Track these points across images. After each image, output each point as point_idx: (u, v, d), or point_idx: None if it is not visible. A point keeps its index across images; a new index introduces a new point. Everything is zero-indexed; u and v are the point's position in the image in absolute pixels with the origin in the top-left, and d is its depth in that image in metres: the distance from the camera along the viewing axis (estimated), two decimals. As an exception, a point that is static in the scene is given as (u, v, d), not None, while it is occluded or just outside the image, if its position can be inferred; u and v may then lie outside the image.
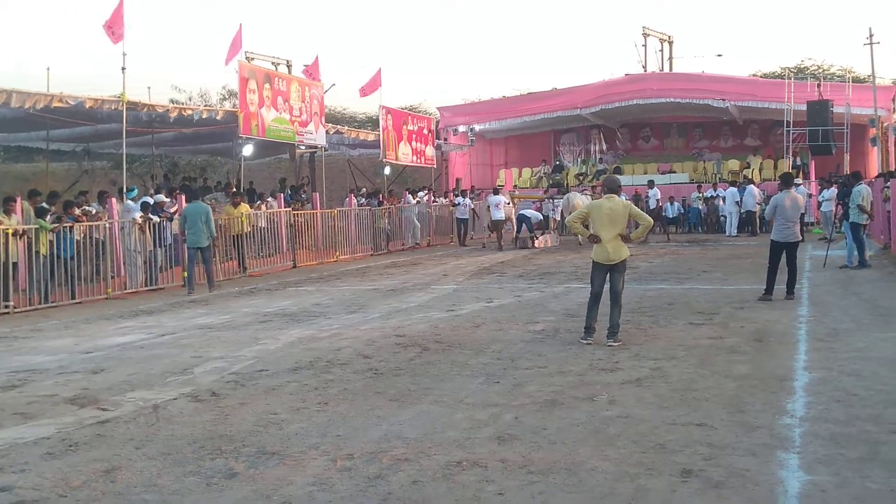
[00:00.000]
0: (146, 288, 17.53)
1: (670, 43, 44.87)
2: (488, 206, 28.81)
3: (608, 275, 10.42)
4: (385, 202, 29.17)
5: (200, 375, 9.10)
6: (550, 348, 10.03)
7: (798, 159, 33.95)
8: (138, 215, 17.86)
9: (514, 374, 8.68)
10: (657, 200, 30.74)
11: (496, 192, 29.80)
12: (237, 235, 20.13)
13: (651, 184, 31.63)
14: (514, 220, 28.35)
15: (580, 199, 27.47)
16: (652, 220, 11.19)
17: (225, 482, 5.68)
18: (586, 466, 5.76)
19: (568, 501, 5.18)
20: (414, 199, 31.36)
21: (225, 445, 6.47)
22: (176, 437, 6.73)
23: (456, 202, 31.04)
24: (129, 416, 7.47)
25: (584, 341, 10.21)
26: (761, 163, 36.95)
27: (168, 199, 19.98)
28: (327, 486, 5.56)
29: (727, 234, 30.31)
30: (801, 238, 13.84)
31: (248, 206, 21.04)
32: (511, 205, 29.18)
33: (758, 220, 29.79)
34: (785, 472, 5.58)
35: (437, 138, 36.85)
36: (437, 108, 41.16)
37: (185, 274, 17.76)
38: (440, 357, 9.66)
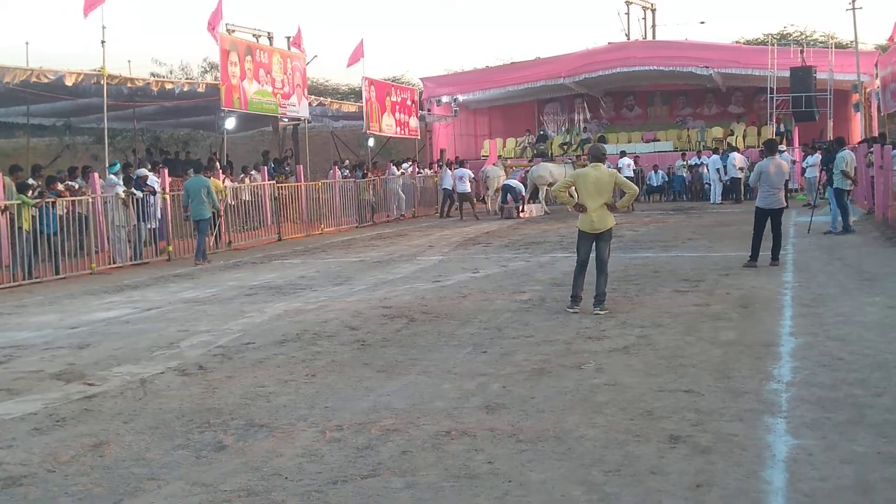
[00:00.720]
0: (131, 262, 17.46)
1: (653, 11, 44.69)
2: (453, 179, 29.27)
3: (594, 243, 10.42)
4: (369, 174, 29.07)
5: (187, 349, 9.08)
6: (537, 317, 10.05)
7: (781, 126, 33.93)
8: (121, 190, 17.74)
9: (501, 344, 8.69)
10: (630, 168, 30.70)
11: (461, 164, 30.12)
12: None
13: (622, 154, 31.64)
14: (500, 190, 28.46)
15: (545, 171, 28.15)
16: (637, 189, 11.17)
17: (214, 455, 5.68)
18: (575, 434, 5.78)
19: (557, 469, 5.20)
20: (398, 170, 31.26)
21: (213, 419, 6.47)
22: (164, 411, 6.72)
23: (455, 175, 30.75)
24: (116, 390, 7.45)
25: (571, 310, 10.23)
26: (745, 130, 36.89)
27: (150, 174, 19.84)
28: (317, 457, 5.56)
29: (711, 201, 30.35)
30: (785, 204, 13.87)
31: (218, 181, 20.44)
32: (504, 175, 29.36)
33: (742, 188, 29.82)
34: (772, 437, 5.61)
35: (421, 109, 36.68)
36: (421, 79, 40.88)
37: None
38: (427, 328, 9.67)
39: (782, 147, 25.02)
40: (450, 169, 30.56)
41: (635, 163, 32.47)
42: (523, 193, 27.79)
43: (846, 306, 9.90)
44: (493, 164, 30.74)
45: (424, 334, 9.32)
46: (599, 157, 10.71)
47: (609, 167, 11.02)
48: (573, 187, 10.52)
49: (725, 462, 5.18)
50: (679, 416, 6.06)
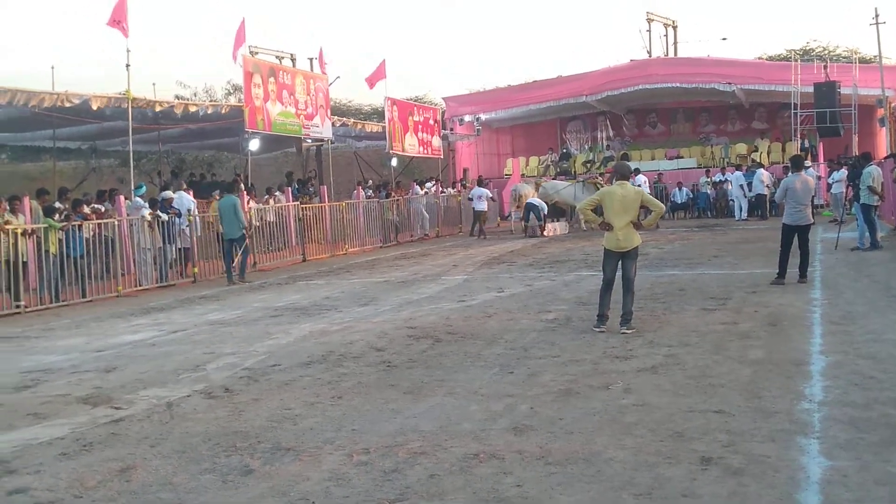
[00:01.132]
0: (157, 285, 17.53)
1: (675, 28, 44.65)
2: (470, 198, 30.03)
3: (620, 262, 10.35)
4: (393, 194, 29.12)
5: (213, 372, 9.07)
6: (563, 337, 9.98)
7: (806, 141, 33.79)
8: (147, 212, 17.84)
9: (527, 364, 8.64)
10: (645, 185, 30.56)
11: (479, 183, 30.73)
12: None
13: (637, 171, 31.55)
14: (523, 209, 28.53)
15: (527, 189, 29.11)
16: (663, 207, 11.08)
17: (241, 479, 5.65)
18: (604, 456, 5.72)
19: (587, 492, 5.14)
20: (422, 190, 31.29)
21: (240, 442, 6.44)
22: (190, 435, 6.70)
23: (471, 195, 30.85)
24: (143, 414, 7.45)
25: (597, 329, 10.16)
26: (769, 146, 36.76)
27: (175, 196, 19.96)
28: (344, 481, 5.52)
29: (736, 218, 30.19)
30: (812, 221, 13.75)
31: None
32: (533, 192, 29.49)
33: (768, 204, 29.65)
34: (805, 458, 5.53)
35: (444, 128, 36.76)
36: (443, 98, 40.98)
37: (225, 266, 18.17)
38: (453, 348, 9.63)
39: (808, 163, 24.88)
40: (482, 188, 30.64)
41: (659, 179, 32.40)
42: (545, 212, 27.78)
43: (876, 324, 9.78)
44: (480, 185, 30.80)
45: (450, 355, 9.28)
46: (626, 174, 10.67)
47: (635, 185, 10.94)
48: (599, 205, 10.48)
49: (758, 484, 5.10)
50: (710, 437, 5.98)
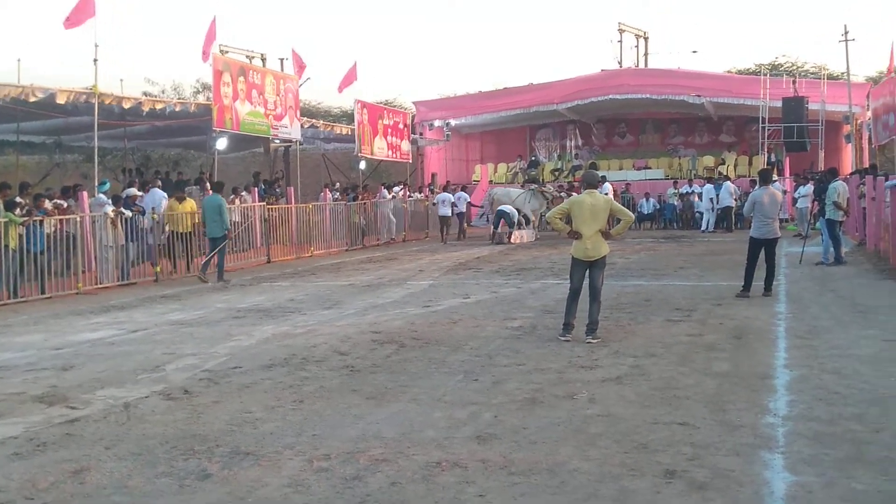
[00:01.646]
0: (118, 283, 17.27)
1: (646, 39, 44.97)
2: (434, 203, 30.70)
3: (587, 271, 10.31)
4: (360, 197, 28.99)
5: (173, 373, 8.92)
6: (529, 345, 9.92)
7: (773, 156, 34.04)
8: (110, 209, 17.58)
9: (492, 372, 8.57)
10: (610, 195, 30.78)
11: (445, 189, 31.33)
12: (181, 233, 19.20)
13: (603, 179, 31.79)
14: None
15: (501, 195, 29.21)
16: (632, 216, 11.05)
17: (198, 484, 5.53)
18: (568, 467, 5.65)
19: (550, 503, 5.07)
20: (389, 193, 31.19)
21: (198, 445, 6.32)
22: (147, 437, 6.56)
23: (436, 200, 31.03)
24: (99, 414, 7.29)
25: (563, 338, 10.10)
26: (736, 159, 37.02)
27: (140, 193, 19.71)
28: (303, 487, 5.42)
29: (702, 229, 30.34)
30: (779, 234, 13.80)
31: (194, 202, 20.23)
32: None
33: (733, 217, 29.83)
34: (770, 473, 5.50)
35: (413, 133, 36.68)
36: (413, 103, 40.91)
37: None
38: (417, 354, 9.53)
39: (774, 177, 25.05)
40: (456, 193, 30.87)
41: (627, 189, 32.56)
42: (516, 219, 27.76)
43: (840, 339, 9.81)
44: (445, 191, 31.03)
45: (414, 360, 9.19)
46: (594, 183, 10.64)
47: (602, 193, 10.89)
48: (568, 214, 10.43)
49: (723, 499, 5.06)
50: (674, 450, 5.94)
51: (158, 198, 19.87)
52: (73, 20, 19.03)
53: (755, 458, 5.77)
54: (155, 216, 18.85)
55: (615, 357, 9.13)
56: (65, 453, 6.22)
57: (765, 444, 6.05)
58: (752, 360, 8.90)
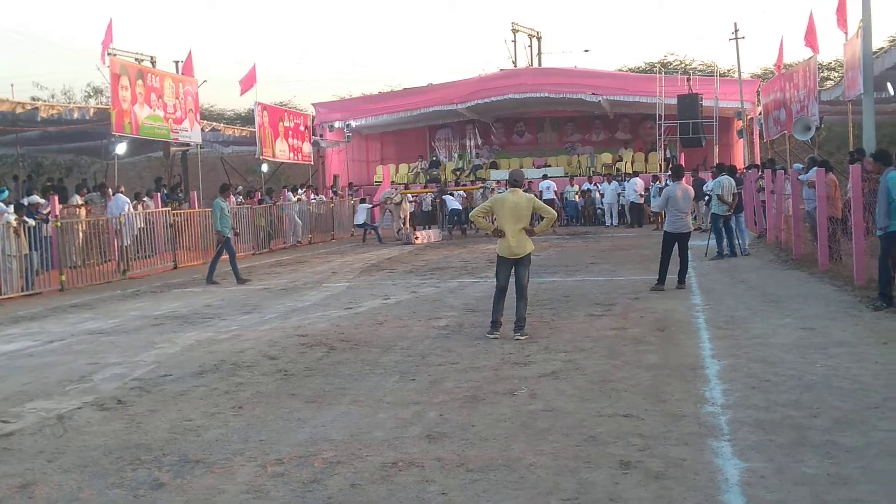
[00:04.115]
0: (22, 293, 16.70)
1: (539, 38, 45.50)
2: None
3: (513, 268, 10.41)
4: (271, 199, 28.71)
5: (101, 382, 8.69)
6: (458, 343, 9.96)
7: (668, 152, 34.85)
8: (12, 218, 16.98)
9: (427, 371, 8.58)
10: (550, 191, 31.43)
11: (363, 201, 31.18)
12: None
13: (545, 177, 32.86)
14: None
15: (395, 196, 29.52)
16: (555, 213, 11.18)
17: (153, 494, 5.41)
18: (524, 462, 5.70)
19: (514, 498, 5.11)
20: (294, 196, 30.91)
21: (143, 455, 6.18)
22: (89, 448, 6.39)
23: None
24: (34, 427, 7.06)
25: (491, 336, 10.18)
26: (633, 156, 37.77)
27: (43, 201, 19.13)
28: (262, 493, 5.36)
29: (607, 224, 30.92)
30: (692, 228, 14.13)
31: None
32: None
33: (640, 212, 30.47)
34: (720, 460, 5.63)
35: (314, 135, 36.43)
36: (313, 105, 40.63)
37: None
38: (349, 356, 9.49)
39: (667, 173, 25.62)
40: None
41: (529, 188, 32.90)
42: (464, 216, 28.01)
43: (759, 328, 10.10)
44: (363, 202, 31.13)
45: (347, 363, 9.14)
46: (518, 182, 10.72)
47: (527, 192, 10.98)
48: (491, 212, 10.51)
49: (681, 487, 5.17)
50: (624, 441, 6.04)
51: (122, 203, 20.94)
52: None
53: (703, 446, 5.91)
54: (122, 219, 19.35)
55: (546, 353, 9.23)
56: (6, 468, 6.01)
57: (710, 432, 6.20)
58: (680, 351, 9.10)
